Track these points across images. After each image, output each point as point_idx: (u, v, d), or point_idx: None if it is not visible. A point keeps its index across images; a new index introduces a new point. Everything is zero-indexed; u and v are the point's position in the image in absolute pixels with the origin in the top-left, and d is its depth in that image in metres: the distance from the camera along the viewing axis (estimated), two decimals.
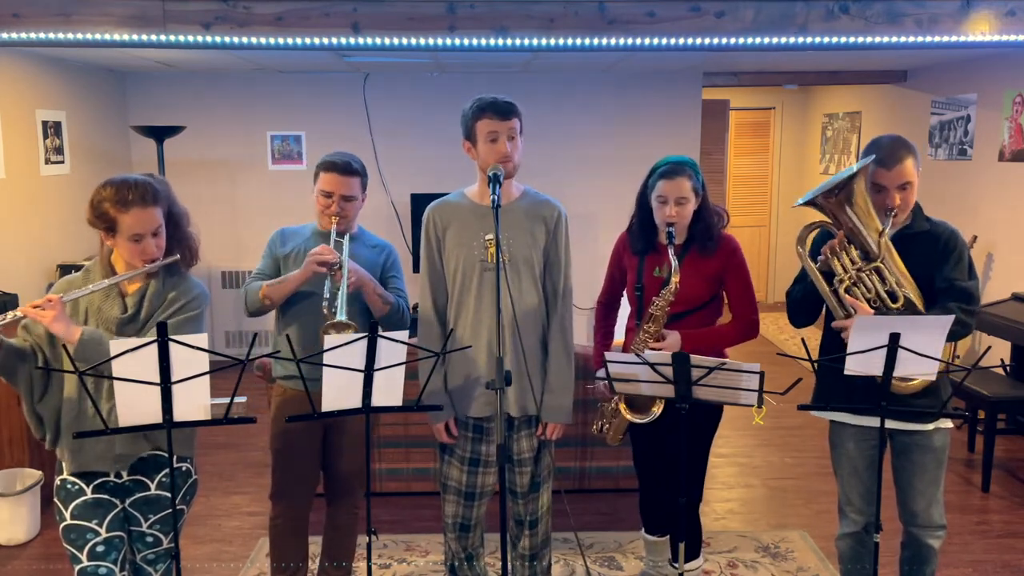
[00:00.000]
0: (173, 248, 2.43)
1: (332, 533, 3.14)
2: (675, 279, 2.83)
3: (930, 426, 2.70)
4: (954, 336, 2.52)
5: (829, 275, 2.65)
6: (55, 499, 2.44)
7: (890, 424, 2.66)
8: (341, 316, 2.67)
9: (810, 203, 2.62)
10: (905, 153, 2.60)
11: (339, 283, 2.76)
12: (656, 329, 2.90)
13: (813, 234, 2.74)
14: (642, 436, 3.14)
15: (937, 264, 2.64)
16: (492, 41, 4.02)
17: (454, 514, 2.90)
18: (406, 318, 2.98)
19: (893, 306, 2.57)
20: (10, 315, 2.23)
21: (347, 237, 2.89)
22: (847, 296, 2.59)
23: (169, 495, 2.44)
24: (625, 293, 3.16)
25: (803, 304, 2.76)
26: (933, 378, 2.50)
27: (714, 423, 3.06)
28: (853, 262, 2.61)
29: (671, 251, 2.84)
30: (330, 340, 2.32)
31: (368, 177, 2.99)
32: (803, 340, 2.56)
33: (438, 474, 2.95)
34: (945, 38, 4.03)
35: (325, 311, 2.77)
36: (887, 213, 2.60)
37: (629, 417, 2.93)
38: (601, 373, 3.09)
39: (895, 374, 2.37)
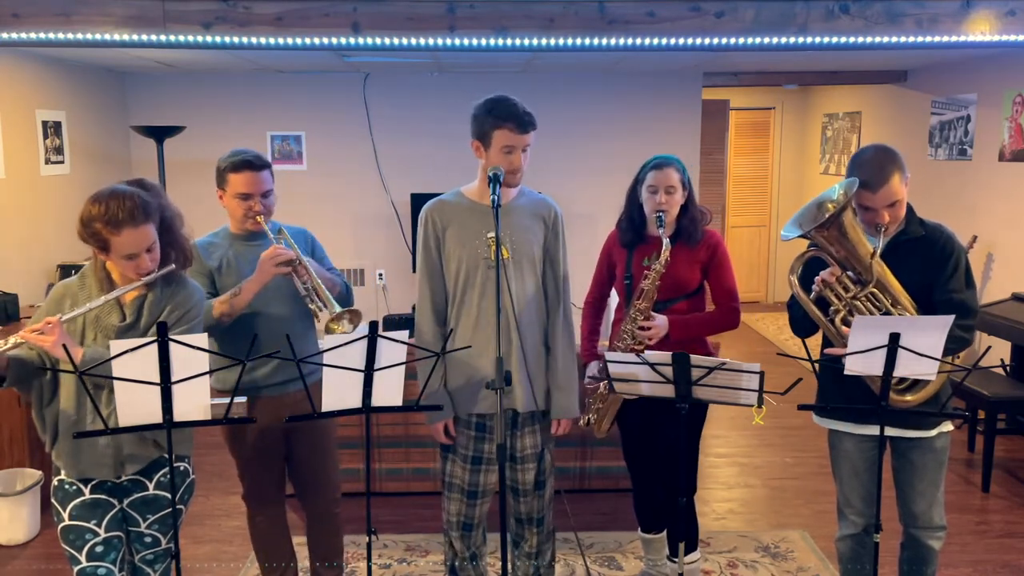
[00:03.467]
0: (168, 252, 2.41)
1: (314, 534, 3.14)
2: (666, 253, 2.93)
3: (932, 432, 2.69)
4: (950, 352, 2.50)
5: (824, 302, 2.63)
6: (52, 500, 2.43)
7: (889, 431, 2.65)
8: (338, 307, 2.70)
9: (800, 236, 2.60)
10: (891, 170, 2.53)
11: (304, 276, 2.75)
12: (647, 306, 2.97)
13: (804, 260, 2.70)
14: (631, 433, 3.18)
15: (934, 271, 2.61)
16: (492, 41, 4.01)
17: (458, 512, 2.89)
18: (352, 295, 3.02)
19: None
20: (12, 340, 2.23)
21: (282, 228, 2.87)
22: (844, 327, 2.56)
23: (167, 495, 2.44)
24: (614, 287, 3.23)
25: (805, 321, 2.74)
26: (933, 378, 2.49)
27: (702, 412, 3.12)
28: (847, 289, 2.58)
29: (662, 231, 2.95)
30: (332, 339, 2.33)
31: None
32: (803, 340, 2.56)
33: (441, 472, 2.95)
34: (945, 38, 4.02)
35: (312, 306, 2.78)
36: (877, 230, 2.57)
37: (625, 394, 2.94)
38: (589, 369, 3.14)
39: (895, 374, 2.36)
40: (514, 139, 2.65)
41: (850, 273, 2.58)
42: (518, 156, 2.66)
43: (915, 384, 2.59)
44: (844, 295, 2.58)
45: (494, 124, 2.65)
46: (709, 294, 3.18)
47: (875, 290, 2.56)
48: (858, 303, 2.57)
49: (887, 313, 2.56)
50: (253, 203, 2.81)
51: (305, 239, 3.00)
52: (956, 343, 2.53)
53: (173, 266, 2.40)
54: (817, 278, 2.61)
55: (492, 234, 2.69)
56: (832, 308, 2.60)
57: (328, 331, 2.70)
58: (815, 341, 2.74)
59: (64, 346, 2.18)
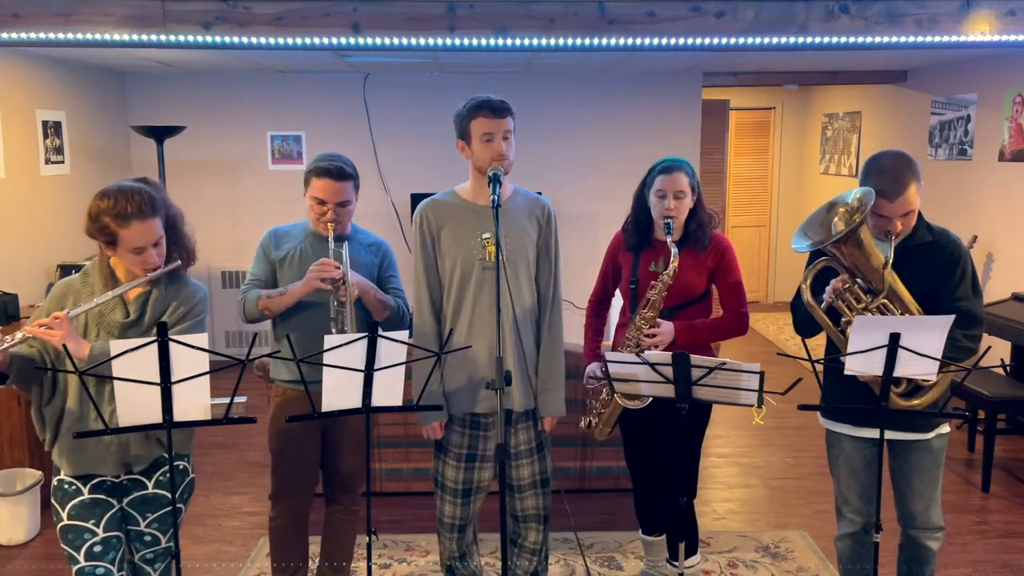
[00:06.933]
0: (172, 250, 2.43)
1: (330, 533, 3.14)
2: (674, 263, 2.90)
3: (930, 434, 2.69)
4: (955, 362, 2.50)
5: (834, 311, 2.62)
6: (52, 500, 2.44)
7: (887, 434, 2.64)
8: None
9: (814, 249, 2.59)
10: (909, 179, 2.53)
11: (343, 297, 2.75)
12: (652, 315, 2.95)
13: (816, 270, 2.69)
14: (633, 435, 3.17)
15: (941, 279, 2.61)
16: (492, 41, 4.01)
17: (451, 514, 2.91)
18: (406, 318, 2.98)
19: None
20: (18, 335, 2.24)
21: (346, 245, 2.86)
22: None
23: (167, 494, 2.44)
24: (619, 290, 3.21)
25: (812, 324, 2.72)
26: (933, 378, 2.48)
27: (704, 418, 3.11)
28: (858, 300, 2.57)
29: (669, 239, 2.91)
30: (330, 340, 2.32)
31: (359, 178, 2.95)
32: (803, 340, 2.56)
33: (433, 472, 2.95)
34: (945, 38, 4.02)
35: (334, 330, 2.75)
36: (887, 237, 2.57)
37: (624, 403, 2.95)
38: (591, 369, 3.13)
39: (895, 374, 2.36)
40: (490, 125, 2.66)
41: (860, 283, 2.57)
42: (499, 143, 2.67)
43: (918, 389, 2.59)
44: (856, 306, 2.57)
45: (470, 117, 2.68)
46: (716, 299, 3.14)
47: (886, 300, 2.55)
48: (869, 314, 2.55)
49: None
50: (327, 209, 2.84)
51: (376, 251, 3.00)
52: (962, 353, 2.52)
53: (179, 262, 2.43)
54: (828, 288, 2.60)
55: (487, 234, 2.70)
56: (844, 319, 2.59)
57: None
58: (815, 341, 2.74)
59: (65, 345, 2.19)
